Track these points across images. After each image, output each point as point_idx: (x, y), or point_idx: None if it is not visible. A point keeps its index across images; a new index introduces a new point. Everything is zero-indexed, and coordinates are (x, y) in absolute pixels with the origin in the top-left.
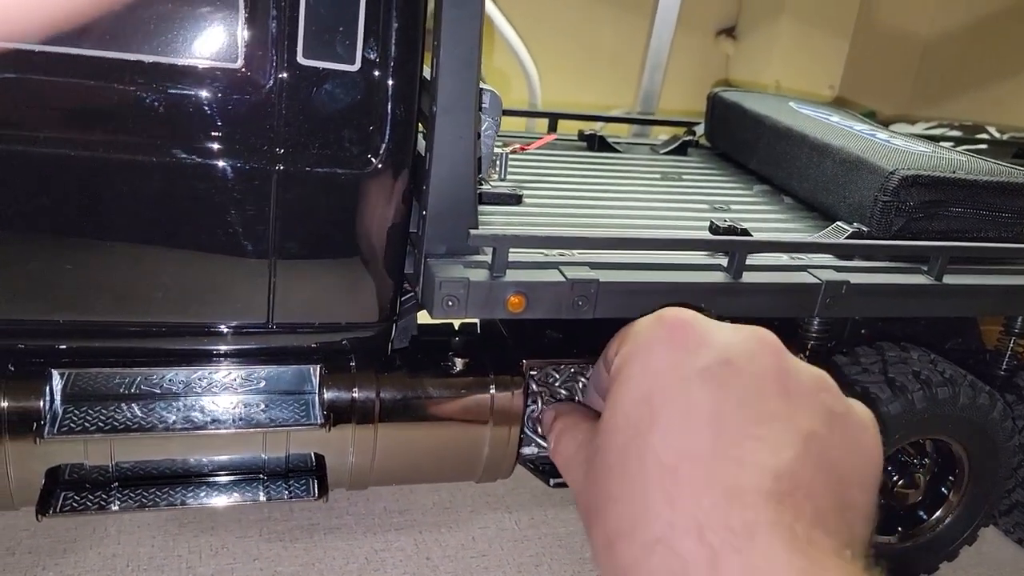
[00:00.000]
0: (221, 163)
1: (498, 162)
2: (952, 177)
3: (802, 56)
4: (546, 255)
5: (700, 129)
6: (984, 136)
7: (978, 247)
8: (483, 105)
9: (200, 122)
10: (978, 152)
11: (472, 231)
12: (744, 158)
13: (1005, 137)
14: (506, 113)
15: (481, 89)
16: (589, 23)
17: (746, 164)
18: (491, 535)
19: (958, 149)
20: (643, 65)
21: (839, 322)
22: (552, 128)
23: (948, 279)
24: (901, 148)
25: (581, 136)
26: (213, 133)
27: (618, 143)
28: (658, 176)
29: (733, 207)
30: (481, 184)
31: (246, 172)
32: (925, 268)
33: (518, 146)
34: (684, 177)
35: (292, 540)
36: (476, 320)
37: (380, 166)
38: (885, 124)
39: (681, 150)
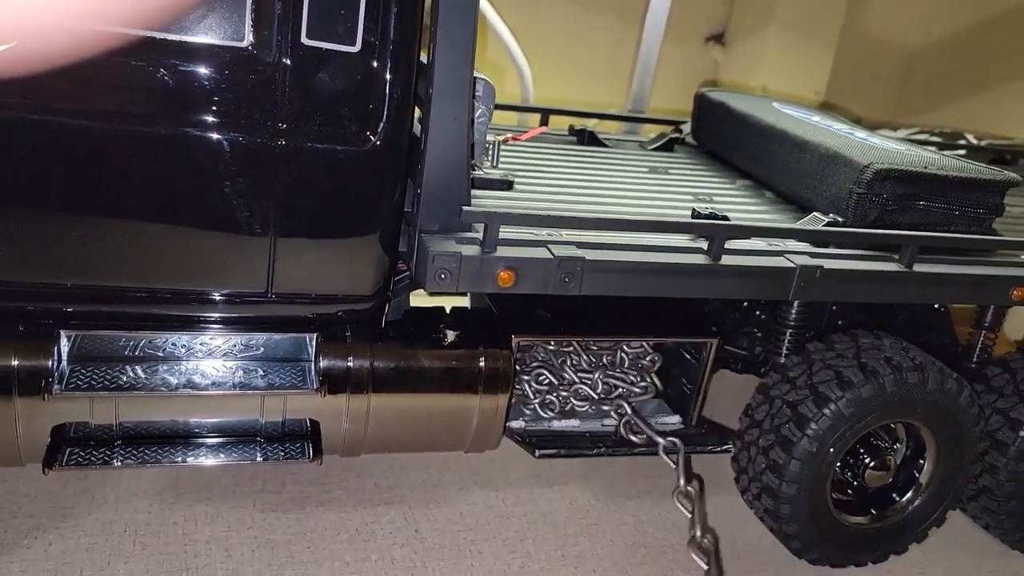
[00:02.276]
0: (227, 137)
1: (491, 150)
2: (924, 172)
3: (789, 63)
4: (535, 235)
5: (687, 128)
6: (962, 142)
7: (947, 237)
8: (477, 93)
9: (207, 98)
10: (957, 157)
11: (465, 207)
12: (728, 155)
13: (983, 144)
14: (500, 108)
15: (475, 77)
16: (583, 29)
17: (730, 160)
18: (478, 511)
19: (930, 150)
20: (633, 69)
21: (817, 313)
22: (544, 122)
23: (918, 267)
24: (876, 145)
25: (572, 131)
26: (219, 108)
27: (608, 139)
28: (646, 169)
29: (716, 199)
30: (474, 170)
31: (250, 146)
32: (896, 257)
33: (510, 136)
34: (671, 171)
35: (285, 511)
36: (466, 300)
37: (378, 144)
38: (870, 130)
39: (668, 147)
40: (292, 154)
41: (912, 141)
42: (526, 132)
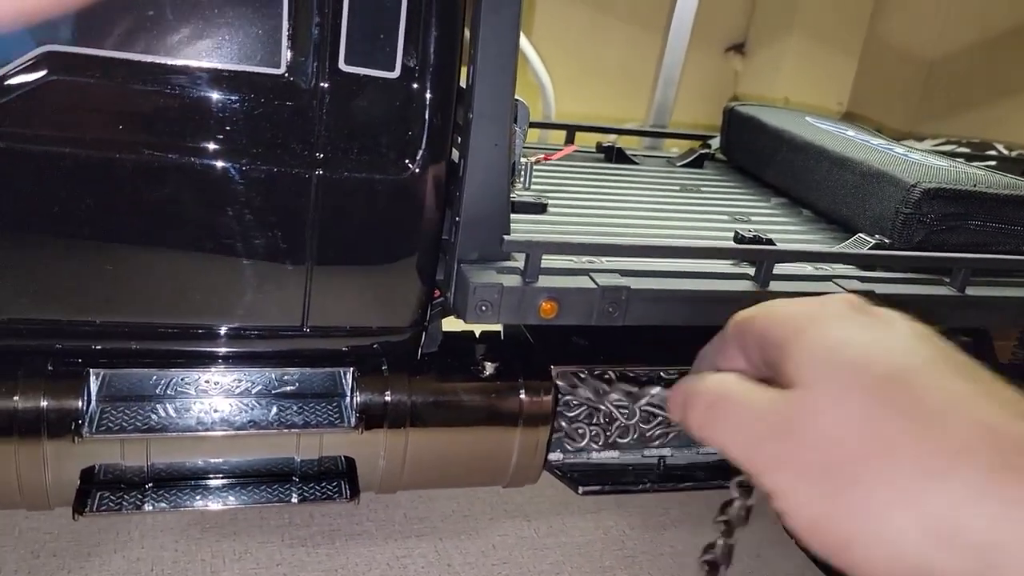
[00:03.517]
0: (262, 167)
1: (523, 172)
2: (973, 190)
3: (811, 72)
4: (575, 262)
5: (715, 143)
6: (992, 153)
7: (1000, 259)
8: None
9: (243, 127)
10: (989, 168)
11: (506, 237)
12: (761, 171)
13: (1013, 154)
14: (536, 126)
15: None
16: (602, 39)
17: (763, 177)
18: (511, 543)
19: (973, 164)
20: (656, 80)
21: None
22: (570, 140)
23: (970, 291)
24: (920, 162)
25: (599, 148)
26: (255, 137)
27: (635, 155)
28: (677, 188)
29: (752, 219)
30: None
31: (286, 176)
32: (947, 280)
33: (542, 156)
34: (702, 189)
35: (314, 546)
36: (499, 327)
37: (417, 172)
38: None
39: (697, 163)
40: (329, 184)
41: (941, 153)
42: (557, 152)
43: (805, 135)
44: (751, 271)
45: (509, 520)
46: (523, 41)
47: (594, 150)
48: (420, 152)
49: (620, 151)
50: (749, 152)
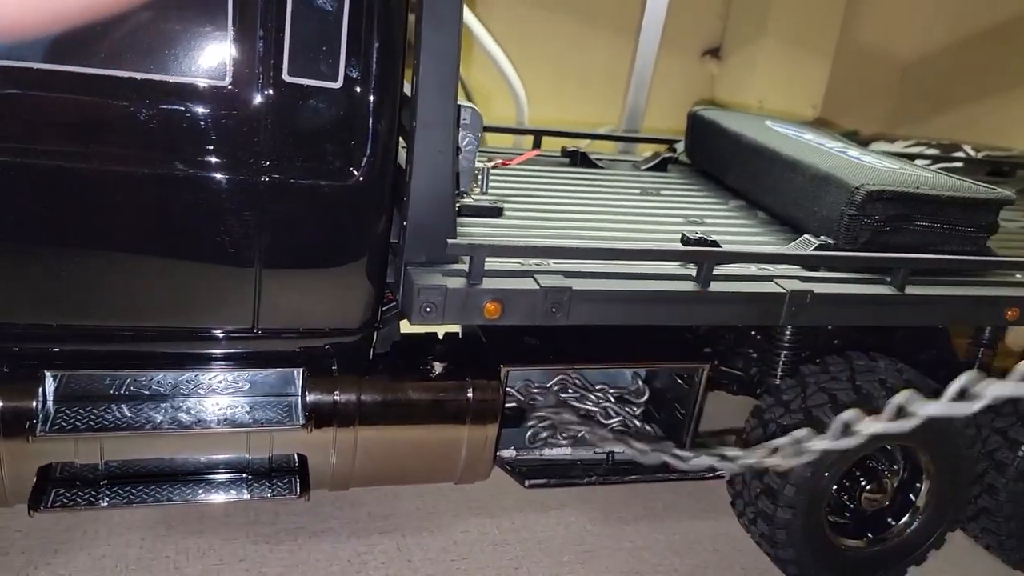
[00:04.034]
0: (210, 175)
1: (480, 176)
2: (915, 192)
3: (785, 76)
4: (522, 264)
5: (681, 146)
6: (960, 154)
7: (937, 259)
8: (464, 121)
9: (190, 136)
10: (954, 170)
11: (450, 240)
12: (721, 174)
13: (980, 155)
14: (492, 130)
15: (462, 106)
16: (578, 44)
17: (723, 180)
18: (472, 539)
19: (932, 167)
20: (628, 85)
21: (812, 333)
22: (536, 144)
23: (910, 289)
24: (869, 164)
25: (564, 152)
26: (202, 147)
27: (600, 159)
28: (637, 191)
29: (708, 221)
30: (464, 197)
31: (234, 183)
32: (888, 279)
33: (499, 161)
34: (663, 192)
35: (278, 543)
36: (458, 329)
37: (362, 179)
38: (866, 142)
39: (661, 166)
40: (276, 190)
41: (908, 155)
42: (516, 157)
43: (761, 139)
44: (694, 272)
45: (472, 517)
46: (495, 49)
47: (559, 155)
48: (365, 159)
49: (584, 155)
50: (710, 156)
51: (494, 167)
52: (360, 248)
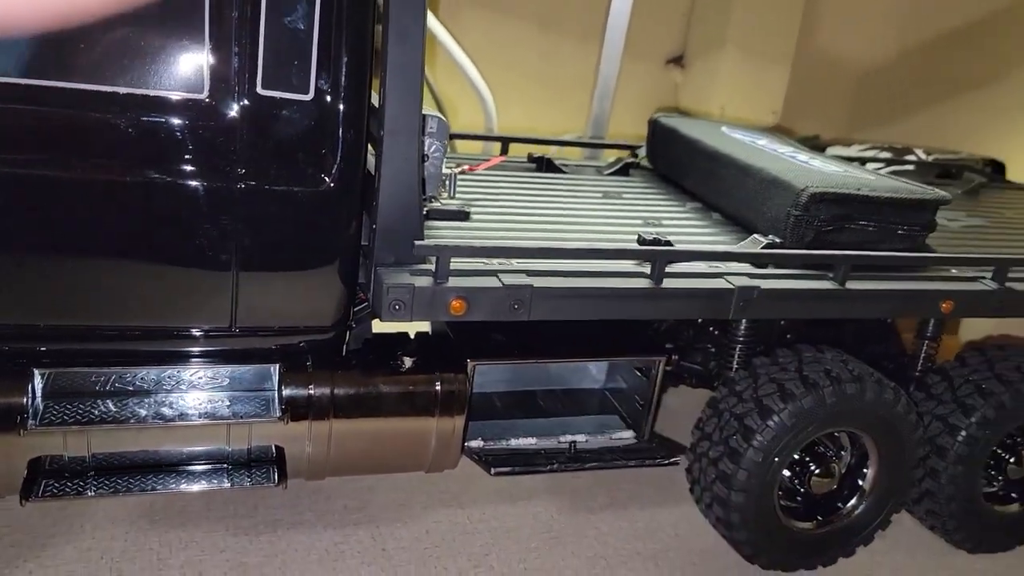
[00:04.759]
0: (189, 182)
1: (447, 181)
2: (856, 194)
3: (745, 83)
4: (487, 264)
5: (643, 152)
6: (911, 158)
7: (876, 256)
8: (431, 130)
9: (170, 146)
10: (905, 173)
11: (417, 242)
12: (679, 178)
13: (930, 159)
14: (460, 137)
15: (428, 115)
16: (546, 52)
17: (681, 184)
18: (444, 528)
19: (882, 170)
20: (593, 92)
21: (766, 328)
22: (504, 151)
23: (851, 285)
24: (815, 168)
25: (530, 158)
26: (181, 155)
27: (565, 165)
28: (600, 195)
29: (665, 222)
30: (432, 202)
31: (211, 190)
32: (831, 275)
33: (467, 167)
34: (624, 195)
35: (257, 534)
36: (428, 325)
37: (332, 184)
38: (824, 147)
39: (624, 171)
40: (251, 196)
41: (861, 159)
42: (483, 163)
43: (716, 145)
44: (649, 270)
45: (444, 508)
46: (462, 57)
47: (526, 160)
48: (335, 166)
49: (550, 161)
50: (669, 160)
51: (461, 173)
52: (332, 250)
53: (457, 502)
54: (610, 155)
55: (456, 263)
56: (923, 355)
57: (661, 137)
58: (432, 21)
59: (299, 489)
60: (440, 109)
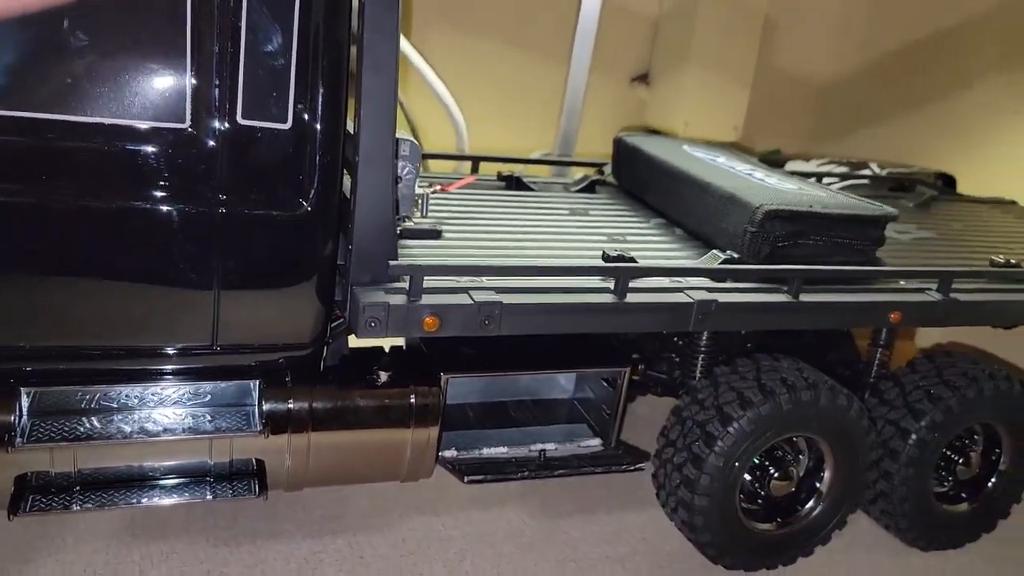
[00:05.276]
0: (172, 207)
1: (420, 202)
2: (809, 211)
3: (708, 100)
4: (458, 282)
5: (608, 169)
6: (867, 172)
7: (827, 270)
8: (404, 153)
9: (153, 173)
10: (860, 187)
11: (391, 262)
12: (643, 194)
13: (884, 172)
14: (433, 157)
15: (401, 139)
16: (516, 70)
17: (645, 200)
18: (419, 536)
19: (836, 185)
20: (560, 111)
21: (727, 338)
22: (475, 170)
23: (804, 297)
24: (770, 186)
25: (500, 177)
26: (164, 182)
27: (534, 183)
28: (567, 212)
29: (629, 238)
30: (405, 221)
31: (193, 215)
32: (785, 288)
33: (439, 187)
34: (590, 212)
35: (237, 545)
36: (402, 342)
37: (310, 208)
38: (785, 161)
39: (590, 188)
40: (232, 221)
41: (818, 174)
42: (454, 182)
43: (676, 163)
44: (613, 285)
45: (419, 516)
46: (434, 79)
47: (496, 179)
48: (312, 191)
49: (519, 179)
50: (633, 178)
51: (433, 192)
52: (310, 270)
53: (432, 510)
54: (577, 172)
55: (429, 281)
56: (876, 362)
57: (625, 156)
58: (404, 45)
59: (277, 500)
60: (413, 131)
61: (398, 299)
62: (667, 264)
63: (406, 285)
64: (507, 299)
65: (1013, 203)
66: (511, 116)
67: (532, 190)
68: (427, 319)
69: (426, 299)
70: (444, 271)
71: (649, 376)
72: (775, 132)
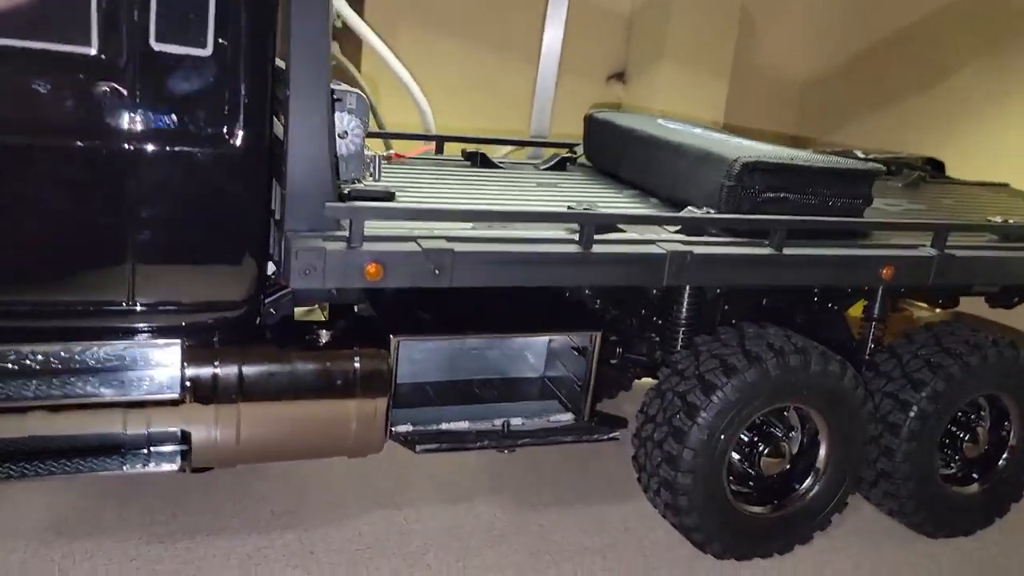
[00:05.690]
0: (77, 143)
1: (371, 164)
2: (790, 163)
3: (686, 96)
4: (409, 231)
5: (580, 150)
6: (851, 157)
7: (810, 220)
8: (350, 106)
9: (56, 105)
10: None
11: (328, 203)
12: (616, 169)
13: (869, 157)
14: (395, 136)
15: (347, 91)
16: (487, 72)
17: (618, 175)
18: (378, 530)
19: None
20: (532, 106)
21: (709, 313)
22: (439, 151)
23: (788, 251)
24: (747, 145)
25: (464, 155)
26: (69, 115)
27: (501, 162)
28: (534, 185)
29: (600, 206)
30: (355, 183)
31: (103, 153)
32: (766, 242)
33: (393, 152)
34: (560, 186)
35: (173, 541)
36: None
37: (236, 145)
38: None
39: (560, 166)
40: (145, 158)
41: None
42: (411, 151)
43: (650, 130)
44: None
45: (379, 509)
46: (395, 61)
47: (460, 157)
48: (238, 126)
49: (484, 156)
50: (606, 153)
51: (387, 159)
52: (238, 218)
53: (393, 503)
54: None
55: (377, 230)
56: (871, 337)
57: (596, 131)
58: (361, 25)
59: (224, 495)
60: (375, 116)
61: (336, 245)
62: (636, 212)
63: (346, 232)
64: (459, 247)
65: (1005, 185)
66: (481, 118)
67: (498, 167)
68: (369, 267)
69: (368, 247)
70: (388, 214)
71: (627, 358)
72: (757, 127)
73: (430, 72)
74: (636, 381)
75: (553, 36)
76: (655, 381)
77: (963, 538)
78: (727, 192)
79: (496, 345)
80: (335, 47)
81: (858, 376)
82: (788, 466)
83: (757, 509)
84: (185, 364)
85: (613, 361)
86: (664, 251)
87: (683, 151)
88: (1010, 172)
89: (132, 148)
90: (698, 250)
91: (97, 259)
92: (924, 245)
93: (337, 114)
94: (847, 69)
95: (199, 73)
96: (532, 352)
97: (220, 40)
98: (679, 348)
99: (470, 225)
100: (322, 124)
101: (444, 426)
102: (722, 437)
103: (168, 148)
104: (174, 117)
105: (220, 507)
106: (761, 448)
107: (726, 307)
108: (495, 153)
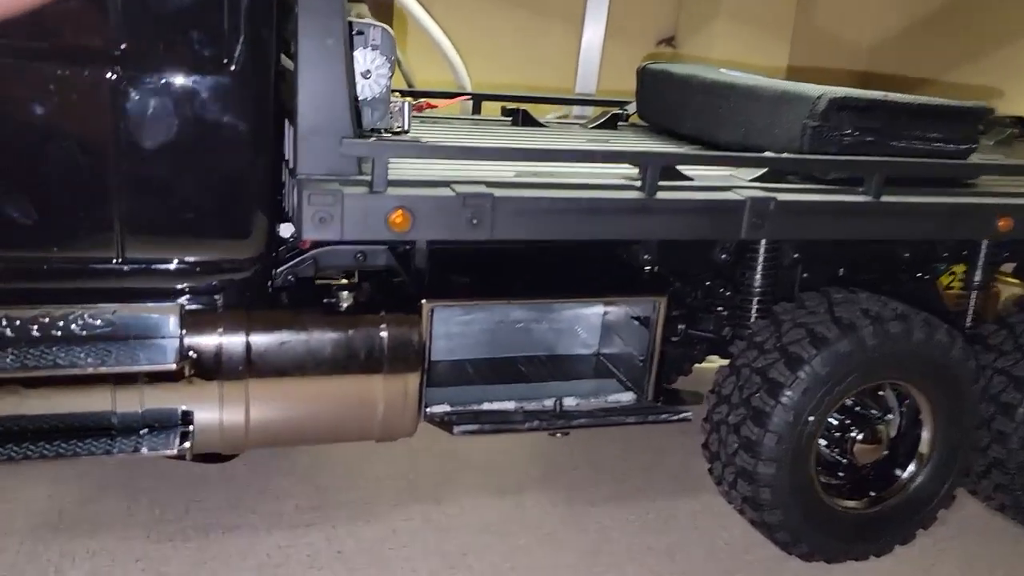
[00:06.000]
0: (52, 66)
1: (399, 112)
2: (883, 100)
3: (742, 63)
4: (442, 177)
5: (632, 108)
6: None
7: (914, 162)
8: (374, 42)
9: (29, 21)
10: None
11: (345, 140)
12: (675, 124)
13: None
14: (429, 95)
15: (371, 24)
16: (531, 39)
17: (678, 131)
18: (414, 527)
19: None
20: (576, 70)
21: (786, 283)
22: (476, 110)
23: (887, 198)
24: (829, 87)
25: (504, 112)
26: (43, 33)
27: (546, 121)
28: (583, 141)
29: None
30: (381, 132)
31: (80, 78)
32: (860, 189)
33: (424, 102)
34: (612, 143)
35: (184, 540)
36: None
37: (236, 69)
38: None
39: (610, 124)
40: (132, 85)
41: None
42: (446, 101)
43: (714, 76)
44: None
45: (416, 504)
46: (425, 17)
47: (500, 116)
48: (238, 48)
49: (527, 114)
50: (662, 108)
51: (417, 108)
52: (241, 157)
53: (432, 497)
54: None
55: (401, 171)
56: (971, 308)
57: (651, 84)
58: None
59: (242, 489)
60: (403, 72)
61: (356, 189)
62: (710, 154)
63: (369, 177)
64: (500, 192)
65: None
66: (519, 79)
67: (542, 126)
68: (394, 216)
69: (394, 192)
70: (416, 152)
71: (691, 335)
72: None
73: (465, 32)
74: (696, 365)
75: (597, 11)
76: (719, 365)
77: None
78: (811, 133)
79: (543, 318)
80: (364, 7)
81: (970, 347)
82: (886, 453)
83: (850, 504)
84: (184, 331)
85: (674, 339)
86: (742, 197)
87: (756, 93)
88: None
89: (114, 74)
90: (782, 196)
91: (79, 208)
92: None
93: (359, 50)
94: (920, 25)
95: None
96: (584, 326)
97: None
98: (753, 321)
99: (513, 174)
100: (338, 49)
101: (487, 406)
102: (810, 419)
103: (155, 72)
104: (163, 35)
105: (238, 501)
106: (854, 432)
107: (804, 275)
108: (538, 114)
